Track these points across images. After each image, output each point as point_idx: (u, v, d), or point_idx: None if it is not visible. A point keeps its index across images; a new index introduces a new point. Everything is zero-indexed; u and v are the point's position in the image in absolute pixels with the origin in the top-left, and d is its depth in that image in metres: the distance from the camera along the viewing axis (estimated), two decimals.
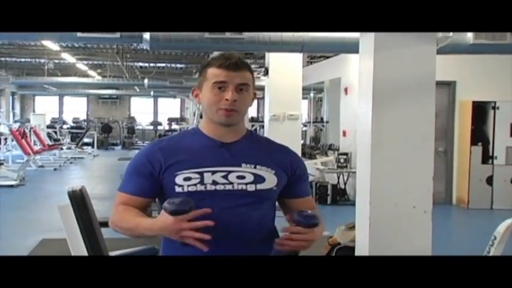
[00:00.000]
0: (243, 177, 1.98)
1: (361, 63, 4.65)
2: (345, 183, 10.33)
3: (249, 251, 1.94)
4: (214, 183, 1.96)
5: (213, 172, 1.97)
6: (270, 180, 2.01)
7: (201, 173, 1.96)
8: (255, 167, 2.00)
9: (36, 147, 15.92)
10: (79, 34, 5.88)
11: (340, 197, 10.18)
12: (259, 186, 1.99)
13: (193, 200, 1.81)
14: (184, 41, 6.50)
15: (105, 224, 4.11)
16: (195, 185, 1.95)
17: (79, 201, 3.34)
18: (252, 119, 18.58)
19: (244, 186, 1.97)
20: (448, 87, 9.85)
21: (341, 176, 10.40)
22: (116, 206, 2.04)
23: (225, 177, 1.97)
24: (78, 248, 3.38)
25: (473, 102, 9.74)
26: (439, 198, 9.51)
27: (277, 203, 2.14)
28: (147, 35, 6.12)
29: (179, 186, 1.96)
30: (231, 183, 1.97)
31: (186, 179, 1.96)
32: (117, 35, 6.01)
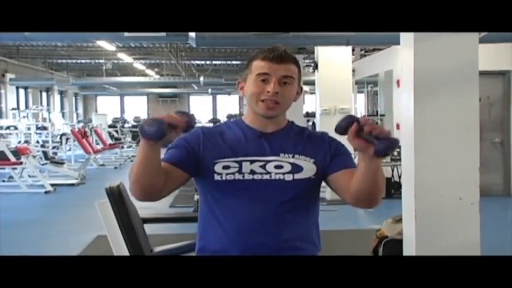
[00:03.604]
0: (281, 167, 1.98)
1: (402, 55, 4.59)
2: (399, 177, 10.16)
3: (284, 244, 1.97)
4: (252, 172, 1.97)
5: (252, 161, 1.98)
6: (308, 169, 2.00)
7: (239, 162, 1.97)
8: (293, 157, 2.00)
9: (98, 147, 16.30)
10: (126, 34, 6.01)
11: (395, 191, 10.00)
12: (297, 176, 1.98)
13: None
14: (230, 38, 6.60)
15: (148, 220, 4.23)
16: (233, 173, 1.96)
17: (116, 197, 3.41)
18: (308, 114, 18.46)
19: (282, 176, 1.97)
20: (502, 76, 9.59)
21: (395, 169, 10.25)
22: None
23: (263, 166, 1.98)
24: (119, 244, 3.45)
25: None
26: (497, 190, 9.33)
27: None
28: (192, 33, 6.20)
29: (218, 174, 1.97)
30: (269, 172, 1.97)
31: (225, 167, 1.97)
32: (163, 33, 6.12)
